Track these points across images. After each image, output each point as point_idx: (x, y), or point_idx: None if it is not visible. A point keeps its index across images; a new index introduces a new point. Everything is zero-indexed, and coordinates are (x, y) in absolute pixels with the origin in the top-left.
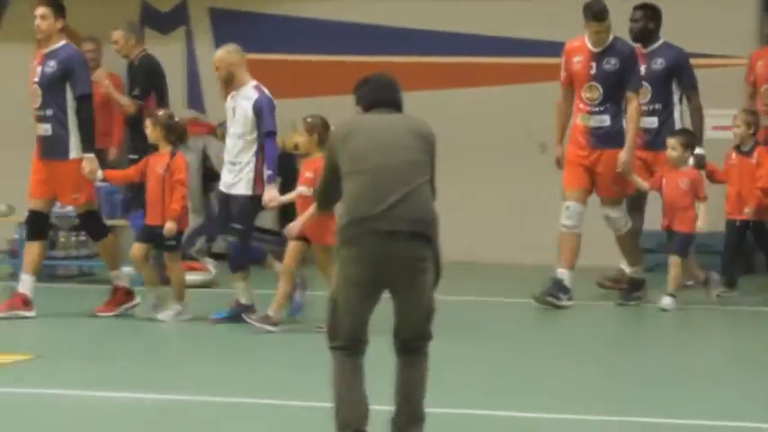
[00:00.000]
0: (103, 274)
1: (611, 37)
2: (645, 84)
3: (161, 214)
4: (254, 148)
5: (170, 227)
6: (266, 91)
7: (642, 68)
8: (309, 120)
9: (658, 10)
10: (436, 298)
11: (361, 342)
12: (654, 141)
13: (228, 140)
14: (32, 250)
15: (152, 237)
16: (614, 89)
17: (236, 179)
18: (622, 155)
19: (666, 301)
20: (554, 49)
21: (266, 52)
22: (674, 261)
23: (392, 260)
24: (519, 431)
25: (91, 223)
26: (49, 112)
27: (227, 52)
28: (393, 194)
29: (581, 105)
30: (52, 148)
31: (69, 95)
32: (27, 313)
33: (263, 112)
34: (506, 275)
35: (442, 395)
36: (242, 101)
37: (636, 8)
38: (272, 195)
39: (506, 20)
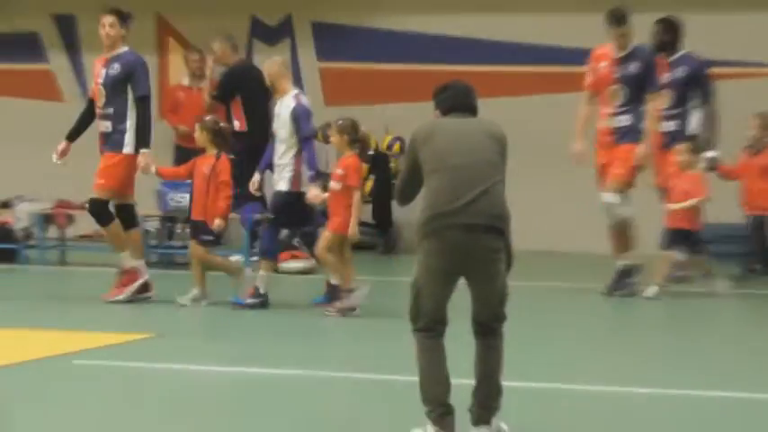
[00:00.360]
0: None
1: (633, 43)
2: (667, 90)
3: (203, 210)
4: (294, 150)
5: (219, 223)
6: (303, 100)
7: (666, 77)
8: (340, 122)
9: (675, 23)
10: (509, 284)
11: (441, 324)
12: (671, 143)
13: (275, 144)
14: (133, 239)
15: (195, 230)
16: (636, 91)
17: (279, 177)
18: (640, 149)
19: (652, 289)
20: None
21: (362, 61)
22: (696, 259)
23: (470, 251)
24: (585, 403)
25: (98, 209)
26: (111, 110)
27: (270, 64)
28: (471, 191)
29: (607, 109)
30: (110, 143)
31: (130, 96)
32: (147, 294)
33: (299, 119)
34: (578, 264)
35: (517, 370)
36: (283, 108)
37: (655, 22)
38: (314, 193)
39: (584, 33)
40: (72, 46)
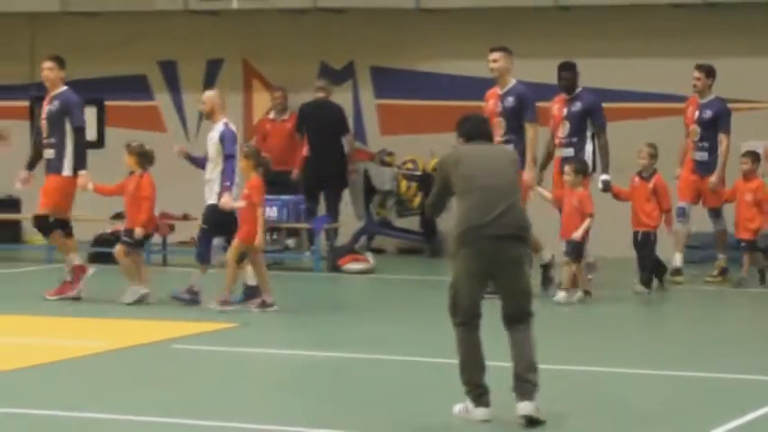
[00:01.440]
0: (290, 263)
1: (513, 81)
2: (565, 121)
3: (131, 221)
4: (220, 169)
5: (139, 232)
6: (231, 126)
7: (564, 110)
8: (246, 149)
9: (575, 65)
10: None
11: (476, 318)
12: None
13: (207, 163)
14: (56, 239)
15: (124, 235)
16: (513, 122)
17: (209, 193)
18: (525, 174)
19: (560, 295)
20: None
21: (411, 99)
22: (567, 263)
23: (499, 257)
24: (594, 383)
25: (41, 223)
26: (53, 140)
27: (213, 94)
28: (498, 207)
29: (496, 138)
30: (53, 167)
31: (68, 127)
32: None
33: (224, 141)
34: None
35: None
36: (214, 132)
37: (565, 67)
38: (225, 200)
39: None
40: (173, 86)
